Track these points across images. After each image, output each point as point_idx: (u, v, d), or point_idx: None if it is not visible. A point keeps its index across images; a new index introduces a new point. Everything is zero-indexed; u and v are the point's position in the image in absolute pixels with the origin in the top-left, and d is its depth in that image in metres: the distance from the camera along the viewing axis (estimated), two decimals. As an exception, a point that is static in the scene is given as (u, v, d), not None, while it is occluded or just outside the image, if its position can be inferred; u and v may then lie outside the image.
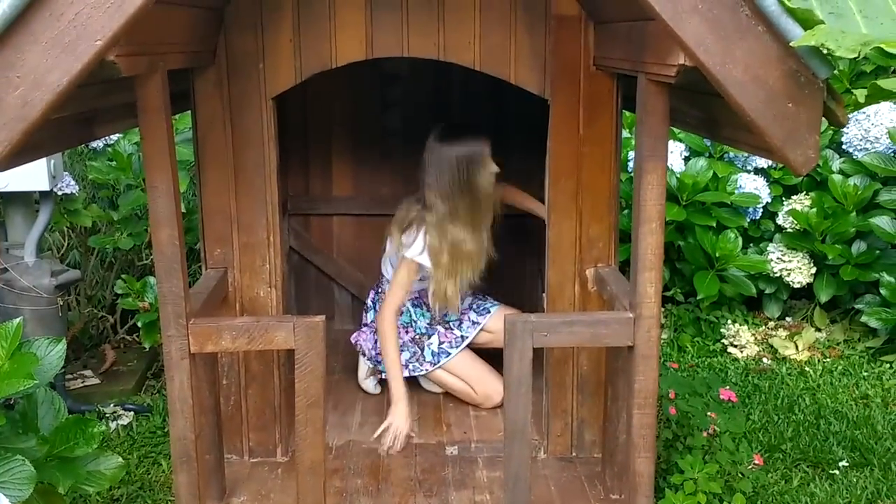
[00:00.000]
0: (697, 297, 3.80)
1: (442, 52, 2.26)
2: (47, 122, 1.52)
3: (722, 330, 3.86)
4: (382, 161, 3.46)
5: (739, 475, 2.36)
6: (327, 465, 2.08)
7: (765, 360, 3.66)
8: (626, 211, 3.65)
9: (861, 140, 3.86)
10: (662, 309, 3.79)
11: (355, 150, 3.49)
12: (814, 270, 3.86)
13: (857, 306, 3.84)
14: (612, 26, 2.08)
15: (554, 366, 2.47)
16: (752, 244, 4.03)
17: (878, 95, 1.51)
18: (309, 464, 1.99)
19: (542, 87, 2.29)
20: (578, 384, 2.48)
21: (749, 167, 4.02)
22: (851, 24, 1.48)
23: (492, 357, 2.87)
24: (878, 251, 3.77)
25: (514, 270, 3.53)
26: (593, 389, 2.47)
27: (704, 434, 2.41)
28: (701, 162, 3.89)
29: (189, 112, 2.37)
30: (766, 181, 3.94)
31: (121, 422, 3.00)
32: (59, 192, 3.09)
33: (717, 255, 3.77)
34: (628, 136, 3.79)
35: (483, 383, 2.84)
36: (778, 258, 3.88)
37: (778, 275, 3.88)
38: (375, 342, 2.88)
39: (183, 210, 2.16)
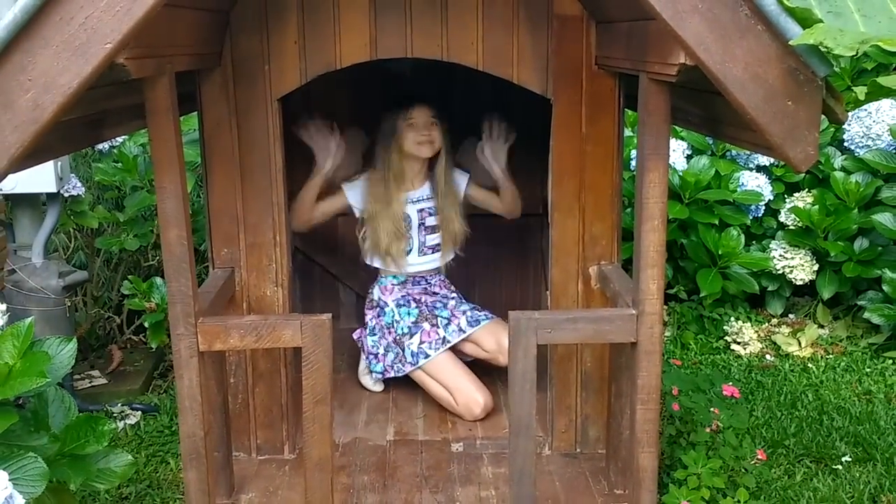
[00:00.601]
0: (700, 295, 3.82)
1: (445, 52, 2.28)
2: (57, 125, 1.54)
3: (725, 327, 3.87)
4: (386, 161, 3.47)
5: (743, 470, 2.37)
6: (334, 461, 2.10)
7: (768, 356, 3.67)
8: (628, 209, 3.66)
9: (862, 137, 3.86)
10: (666, 307, 3.81)
11: (359, 150, 3.50)
12: (816, 267, 3.87)
13: (859, 303, 3.85)
14: (614, 26, 2.10)
15: (558, 363, 2.49)
16: (754, 241, 4.04)
17: (878, 93, 1.53)
18: (316, 460, 2.01)
19: (544, 87, 2.31)
20: (582, 381, 2.50)
21: (751, 165, 4.03)
22: (850, 22, 1.49)
23: (487, 372, 2.88)
24: (880, 248, 3.78)
25: (514, 271, 3.55)
26: (597, 386, 2.49)
27: (708, 430, 2.42)
28: (703, 160, 3.91)
29: (195, 114, 2.40)
30: (769, 179, 3.95)
31: (128, 421, 3.02)
32: (66, 194, 3.11)
33: (720, 252, 3.79)
34: (631, 134, 3.81)
35: (464, 394, 2.74)
36: (780, 255, 3.89)
37: (780, 272, 3.89)
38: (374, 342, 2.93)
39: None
